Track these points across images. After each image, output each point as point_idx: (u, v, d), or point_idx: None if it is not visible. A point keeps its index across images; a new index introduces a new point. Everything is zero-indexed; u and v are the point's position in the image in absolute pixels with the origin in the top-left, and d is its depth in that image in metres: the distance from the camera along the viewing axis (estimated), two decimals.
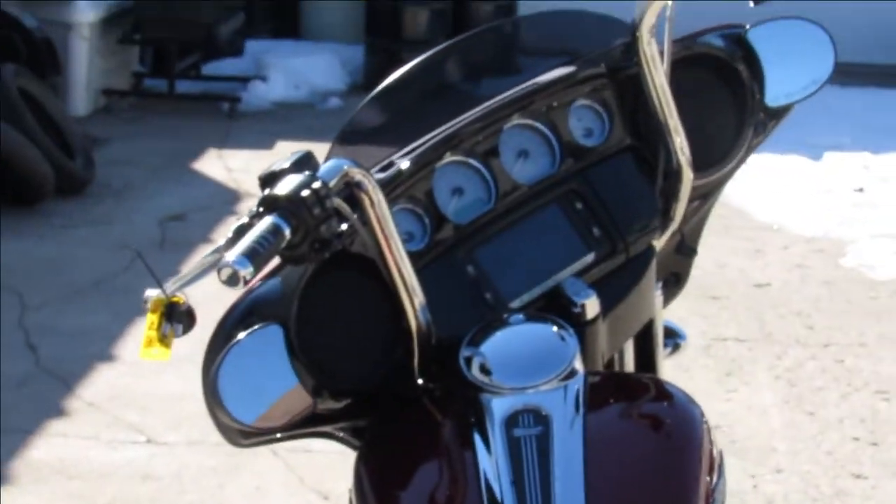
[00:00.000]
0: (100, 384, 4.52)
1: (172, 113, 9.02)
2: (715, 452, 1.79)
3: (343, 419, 1.96)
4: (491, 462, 1.66)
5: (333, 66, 9.68)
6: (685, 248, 2.27)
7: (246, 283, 1.45)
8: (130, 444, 4.12)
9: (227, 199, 7.56)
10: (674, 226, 2.07)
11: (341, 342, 1.91)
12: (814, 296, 5.51)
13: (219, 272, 1.46)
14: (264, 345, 1.81)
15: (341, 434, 1.99)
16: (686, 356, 4.59)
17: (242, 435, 1.86)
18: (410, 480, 1.85)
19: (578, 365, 1.74)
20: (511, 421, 1.69)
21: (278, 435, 1.91)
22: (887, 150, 7.57)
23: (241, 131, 8.71)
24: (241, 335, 1.78)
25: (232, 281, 1.43)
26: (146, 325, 1.59)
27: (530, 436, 1.67)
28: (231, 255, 1.46)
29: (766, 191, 7.05)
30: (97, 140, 8.20)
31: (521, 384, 1.70)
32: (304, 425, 1.88)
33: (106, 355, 4.61)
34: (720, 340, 4.95)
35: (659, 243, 2.06)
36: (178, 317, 1.60)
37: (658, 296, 2.18)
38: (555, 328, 1.80)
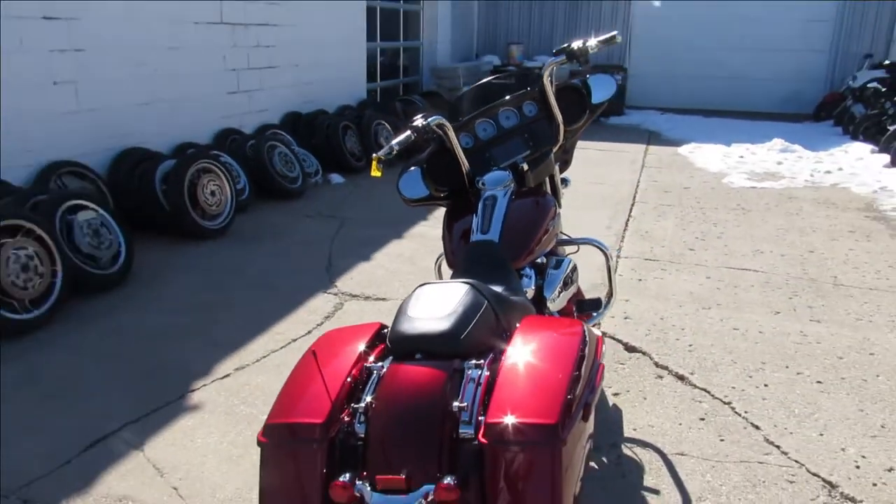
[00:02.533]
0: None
1: None
2: (555, 211, 2.44)
3: (443, 199, 2.52)
4: (478, 213, 2.29)
5: None
6: (567, 151, 2.72)
7: (393, 153, 2.19)
8: None
9: None
10: (559, 143, 2.55)
11: (439, 174, 2.51)
12: (705, 191, 6.51)
13: (385, 148, 2.21)
14: (414, 174, 2.49)
15: (443, 203, 2.53)
16: (645, 212, 5.72)
17: (410, 202, 2.48)
18: (458, 219, 2.41)
19: (510, 184, 2.36)
20: (486, 200, 2.33)
21: (422, 204, 2.52)
22: (758, 142, 8.60)
23: None
24: (408, 170, 2.50)
25: (388, 153, 2.20)
26: (372, 166, 2.21)
27: (489, 201, 2.31)
28: (393, 143, 2.21)
29: (704, 156, 8.13)
30: None
31: (492, 187, 2.35)
32: (429, 201, 2.50)
33: None
34: (661, 205, 5.97)
35: (554, 149, 2.54)
36: (382, 161, 2.19)
37: (556, 166, 2.65)
38: (507, 172, 2.39)
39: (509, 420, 1.46)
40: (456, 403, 1.53)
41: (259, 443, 1.58)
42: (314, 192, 6.54)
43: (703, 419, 2.75)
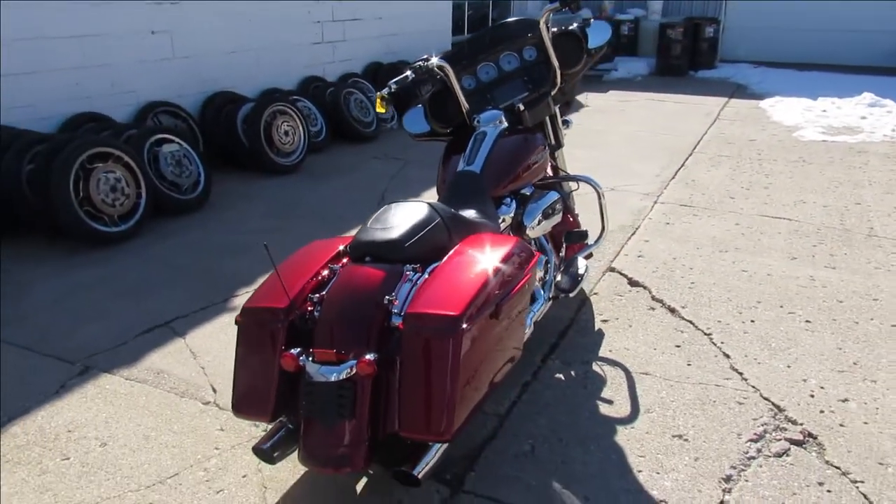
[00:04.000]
0: None
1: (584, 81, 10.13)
2: (541, 148, 2.52)
3: (444, 136, 2.64)
4: (467, 147, 2.43)
5: (643, 66, 10.50)
6: (568, 93, 2.80)
7: (392, 90, 2.33)
8: None
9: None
10: (556, 86, 2.64)
11: (441, 112, 2.63)
12: (771, 144, 6.21)
13: (386, 88, 2.38)
14: (418, 111, 2.63)
15: (444, 139, 2.64)
16: (699, 162, 5.55)
17: (414, 137, 2.63)
18: (454, 153, 2.49)
19: (502, 121, 2.49)
20: (477, 136, 2.45)
21: (425, 137, 2.63)
22: (847, 96, 7.91)
23: (603, 86, 9.40)
24: (411, 109, 2.62)
25: (388, 91, 2.37)
26: (377, 102, 2.39)
27: (479, 137, 2.45)
28: (391, 83, 2.40)
29: (784, 109, 7.64)
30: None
31: (485, 125, 2.48)
32: (432, 136, 2.66)
33: None
34: (719, 156, 5.77)
35: (552, 91, 2.64)
36: (385, 99, 2.38)
37: (555, 106, 2.74)
38: (499, 111, 2.51)
39: (422, 310, 1.71)
40: (387, 297, 1.80)
41: (236, 322, 1.90)
42: (388, 136, 6.79)
43: (678, 346, 2.85)
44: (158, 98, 5.22)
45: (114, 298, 3.37)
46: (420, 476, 1.71)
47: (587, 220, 3.32)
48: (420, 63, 2.54)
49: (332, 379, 1.68)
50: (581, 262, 2.95)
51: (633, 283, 3.44)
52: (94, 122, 4.60)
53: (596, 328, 3.00)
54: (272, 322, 1.85)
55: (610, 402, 2.49)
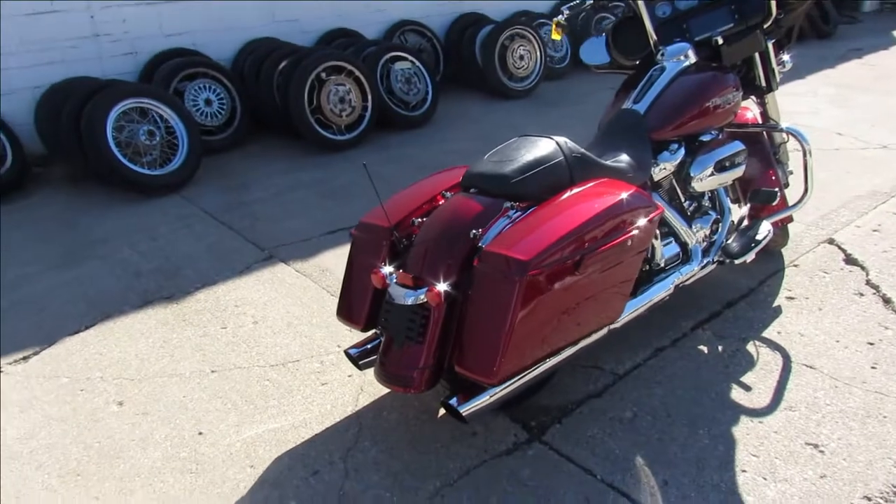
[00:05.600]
0: None
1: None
2: (730, 89, 2.25)
3: (629, 69, 2.48)
4: (640, 83, 2.25)
5: None
6: (786, 26, 2.54)
7: (565, 16, 2.24)
8: None
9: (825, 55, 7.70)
10: (771, 17, 2.34)
11: (627, 42, 2.45)
12: None
13: (559, 14, 2.31)
14: (599, 40, 2.49)
15: (627, 72, 2.45)
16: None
17: (592, 68, 2.51)
18: (633, 84, 2.34)
19: (689, 56, 2.26)
20: (654, 71, 2.25)
21: (605, 70, 2.51)
22: None
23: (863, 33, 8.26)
24: (591, 37, 2.52)
25: (562, 16, 2.30)
26: (552, 28, 2.35)
27: (656, 73, 2.26)
28: (564, 8, 2.30)
29: None
30: (851, 22, 8.04)
31: (668, 59, 2.24)
32: (613, 68, 2.49)
33: None
34: None
35: (765, 24, 2.34)
36: (558, 25, 2.29)
37: (769, 42, 2.43)
38: (688, 46, 2.30)
39: (496, 249, 1.68)
40: (473, 231, 1.79)
41: (350, 235, 2.04)
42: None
43: (871, 344, 2.36)
44: (408, 17, 5.49)
45: (320, 199, 3.77)
46: (464, 413, 1.70)
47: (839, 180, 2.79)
48: None
49: (408, 302, 1.73)
50: (764, 227, 2.56)
51: (849, 260, 2.89)
52: (344, 38, 5.02)
53: (775, 304, 2.61)
54: (375, 239, 1.93)
55: (748, 388, 2.18)
